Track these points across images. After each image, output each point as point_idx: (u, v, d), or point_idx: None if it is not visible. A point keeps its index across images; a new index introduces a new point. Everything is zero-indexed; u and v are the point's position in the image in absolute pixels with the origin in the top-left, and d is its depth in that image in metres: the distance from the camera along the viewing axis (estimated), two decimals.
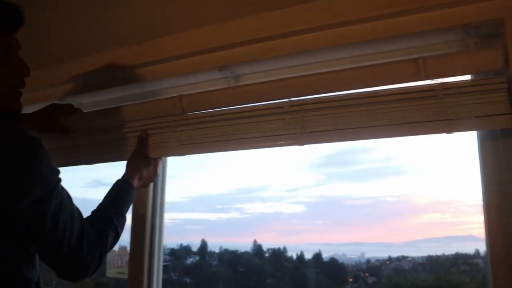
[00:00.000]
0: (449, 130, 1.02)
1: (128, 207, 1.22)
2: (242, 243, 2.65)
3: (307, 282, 2.58)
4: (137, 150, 1.35)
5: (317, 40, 1.18)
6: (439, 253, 2.14)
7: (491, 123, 1.00)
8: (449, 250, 2.10)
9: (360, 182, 2.33)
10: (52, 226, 0.91)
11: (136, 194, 1.29)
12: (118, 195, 1.21)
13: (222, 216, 2.35)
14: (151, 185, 1.50)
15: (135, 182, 1.28)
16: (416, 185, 2.15)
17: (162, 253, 1.55)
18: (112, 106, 1.51)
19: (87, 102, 1.67)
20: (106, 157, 1.46)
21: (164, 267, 2.93)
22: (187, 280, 2.73)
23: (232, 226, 2.18)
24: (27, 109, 1.18)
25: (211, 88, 1.41)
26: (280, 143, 1.20)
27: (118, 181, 1.25)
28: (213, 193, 2.58)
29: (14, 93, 1.02)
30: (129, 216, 1.47)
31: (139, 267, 1.48)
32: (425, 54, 1.06)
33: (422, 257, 2.26)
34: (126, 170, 1.30)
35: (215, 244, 2.60)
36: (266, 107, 1.21)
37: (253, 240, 2.69)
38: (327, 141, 1.15)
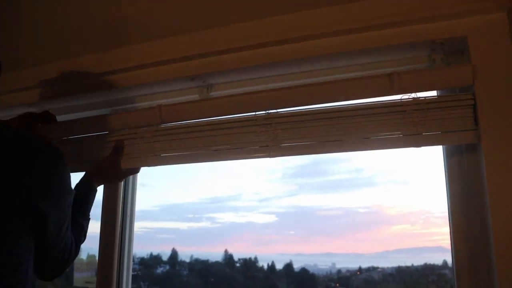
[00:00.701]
0: (417, 145, 1.05)
1: (91, 207, 1.29)
2: (213, 252, 2.63)
3: None
4: (111, 159, 1.36)
5: (290, 51, 1.20)
6: (409, 263, 2.17)
7: (457, 138, 1.03)
8: (418, 261, 2.13)
9: (331, 192, 2.35)
10: (61, 230, 1.03)
11: (106, 202, 1.30)
12: (85, 201, 1.26)
13: (193, 225, 2.33)
14: (121, 193, 1.50)
15: (97, 186, 1.33)
16: (387, 196, 2.19)
17: (131, 262, 1.55)
18: (90, 116, 1.53)
19: (57, 107, 1.64)
20: (80, 167, 1.42)
21: (134, 276, 2.89)
22: None
23: (203, 235, 2.17)
24: None
25: (184, 97, 1.42)
26: (251, 155, 1.22)
27: (83, 186, 1.29)
28: (184, 202, 2.56)
29: None
30: (98, 224, 1.45)
31: (108, 276, 1.46)
32: (398, 69, 1.11)
33: (392, 268, 2.28)
34: (92, 173, 1.32)
35: (186, 253, 2.58)
36: (240, 119, 1.22)
37: (224, 249, 2.68)
38: (297, 154, 1.17)
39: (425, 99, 1.05)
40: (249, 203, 2.61)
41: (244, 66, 1.25)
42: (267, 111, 1.19)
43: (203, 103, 1.30)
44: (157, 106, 1.33)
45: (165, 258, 2.61)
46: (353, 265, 2.42)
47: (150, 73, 1.37)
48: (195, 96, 1.40)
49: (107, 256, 1.48)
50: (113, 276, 1.46)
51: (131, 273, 1.55)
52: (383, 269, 2.34)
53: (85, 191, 1.28)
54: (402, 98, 1.07)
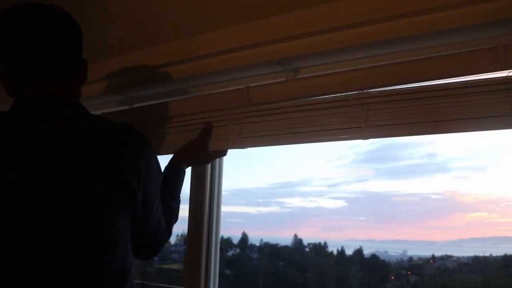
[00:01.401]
0: None
1: (181, 188, 1.34)
2: (283, 237, 2.66)
3: (348, 278, 2.58)
4: (199, 140, 1.39)
5: (380, 31, 1.14)
6: (487, 253, 2.10)
7: None
8: (497, 251, 2.06)
9: (402, 178, 2.31)
10: (157, 212, 1.12)
11: (194, 184, 1.41)
12: (173, 182, 1.31)
13: (263, 209, 2.35)
14: (209, 175, 1.54)
15: (186, 167, 1.38)
16: (461, 182, 2.12)
17: (218, 242, 1.56)
18: (176, 98, 1.55)
19: (142, 94, 1.70)
20: (168, 149, 1.48)
21: None
22: (228, 271, 2.76)
23: (273, 220, 2.18)
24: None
25: (271, 81, 1.40)
26: (343, 136, 1.20)
27: (171, 168, 1.34)
28: (253, 187, 2.59)
29: None
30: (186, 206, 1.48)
31: (198, 257, 1.50)
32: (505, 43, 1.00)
33: (468, 257, 2.22)
34: (180, 155, 1.38)
35: (255, 237, 2.62)
36: (330, 100, 1.20)
37: (293, 234, 2.70)
38: (392, 135, 1.14)
39: None
40: (318, 188, 2.60)
41: (331, 48, 1.21)
42: (358, 91, 1.16)
43: (291, 84, 1.30)
44: (245, 87, 1.34)
45: (235, 241, 2.65)
46: (426, 253, 2.37)
47: (236, 57, 1.36)
48: (282, 80, 1.38)
49: (196, 236, 1.52)
50: (202, 256, 1.50)
51: (218, 254, 1.56)
52: (458, 258, 2.27)
53: (174, 173, 1.33)
54: (509, 74, 0.99)
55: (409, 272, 2.41)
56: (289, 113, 1.26)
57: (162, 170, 1.24)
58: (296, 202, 2.77)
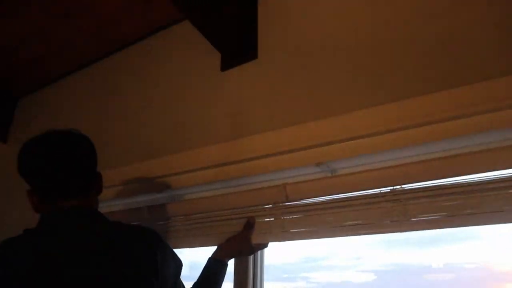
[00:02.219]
0: None
1: (222, 282, 1.41)
2: None
3: None
4: (242, 233, 1.49)
5: (411, 136, 1.23)
6: None
7: None
8: None
9: (432, 247, 2.21)
10: None
11: (237, 275, 1.54)
12: (214, 275, 1.40)
13: (288, 285, 2.26)
14: (251, 267, 1.60)
15: (228, 260, 1.46)
16: (496, 250, 2.01)
17: None
18: (220, 193, 1.67)
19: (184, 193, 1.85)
20: (208, 240, 1.59)
21: None
22: None
23: None
24: None
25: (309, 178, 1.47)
26: (381, 230, 1.26)
27: (214, 261, 1.44)
28: (278, 262, 2.50)
29: None
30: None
31: None
32: None
33: None
34: (223, 247, 1.48)
35: None
36: (367, 196, 1.28)
37: None
38: (429, 228, 1.20)
39: None
40: (344, 262, 2.50)
41: (367, 152, 1.30)
42: (394, 187, 1.24)
43: (326, 182, 1.38)
44: (282, 185, 1.44)
45: None
46: None
47: (278, 160, 1.47)
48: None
49: None
50: None
51: None
52: None
53: (215, 264, 1.43)
54: None
55: None
56: (327, 209, 1.35)
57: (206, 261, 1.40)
58: (322, 276, 2.67)
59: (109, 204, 1.99)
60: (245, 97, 1.70)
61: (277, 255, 2.36)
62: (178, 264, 1.23)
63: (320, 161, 1.38)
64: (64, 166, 1.17)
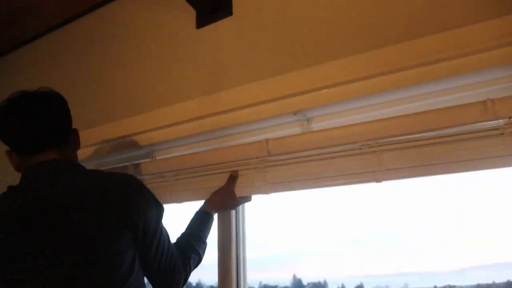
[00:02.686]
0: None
1: (208, 233, 1.49)
2: (281, 278, 2.61)
3: None
4: (226, 187, 1.56)
5: (380, 83, 1.34)
6: (489, 281, 2.09)
7: None
8: (500, 277, 2.05)
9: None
10: (163, 247, 1.25)
11: (221, 229, 1.64)
12: (200, 225, 1.48)
13: (261, 251, 2.33)
14: (234, 221, 1.72)
15: (213, 212, 1.54)
16: (461, 209, 2.12)
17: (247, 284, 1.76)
18: (204, 150, 1.75)
19: (165, 147, 1.93)
20: (194, 195, 1.67)
21: None
22: None
23: (271, 260, 2.17)
24: None
25: (286, 131, 1.58)
26: (357, 180, 1.35)
27: (199, 213, 1.52)
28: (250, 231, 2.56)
29: None
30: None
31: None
32: (493, 97, 1.18)
33: (471, 286, 2.21)
34: (209, 202, 1.55)
35: (254, 280, 2.56)
36: (346, 149, 1.36)
37: (292, 274, 2.65)
38: (404, 177, 1.30)
39: None
40: (317, 225, 2.58)
41: (340, 100, 1.40)
42: (369, 141, 1.32)
43: (306, 137, 1.45)
44: (265, 140, 1.50)
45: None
46: (428, 284, 2.35)
47: (256, 111, 1.55)
48: (297, 130, 1.57)
49: (226, 280, 1.69)
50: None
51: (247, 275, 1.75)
52: (460, 287, 2.26)
53: (201, 216, 1.51)
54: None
55: None
56: (307, 162, 1.43)
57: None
58: (295, 240, 2.74)
59: (92, 163, 2.05)
60: (221, 53, 1.77)
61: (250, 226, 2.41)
62: (159, 210, 1.28)
63: (296, 109, 1.47)
64: (35, 121, 1.25)
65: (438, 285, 2.35)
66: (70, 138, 1.34)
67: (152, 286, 1.29)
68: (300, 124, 1.56)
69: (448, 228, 2.28)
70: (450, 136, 1.22)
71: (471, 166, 1.20)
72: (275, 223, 2.27)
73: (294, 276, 2.60)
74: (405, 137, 1.27)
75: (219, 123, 1.65)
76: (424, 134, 1.25)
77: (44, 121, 1.27)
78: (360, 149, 1.33)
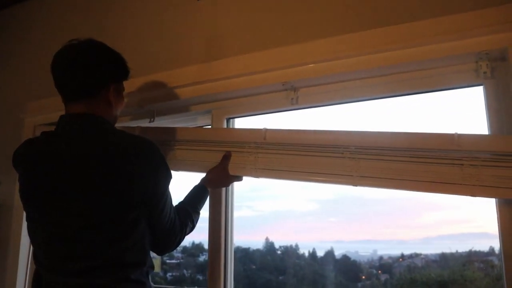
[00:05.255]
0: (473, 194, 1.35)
1: (203, 206, 1.66)
2: (254, 240, 2.67)
3: (320, 279, 2.62)
4: (221, 165, 1.72)
5: (358, 62, 1.55)
6: (453, 250, 2.17)
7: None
8: (463, 247, 2.13)
9: None
10: (166, 211, 1.38)
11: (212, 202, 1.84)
12: (197, 197, 1.65)
13: (234, 213, 2.34)
14: (223, 194, 1.90)
15: (210, 187, 1.72)
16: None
17: (233, 249, 1.92)
18: (207, 126, 1.97)
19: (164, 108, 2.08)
20: (191, 166, 1.84)
21: (177, 264, 2.93)
22: (200, 277, 2.75)
23: (244, 223, 2.20)
24: None
25: (274, 98, 1.82)
26: (337, 181, 1.52)
27: (198, 187, 1.69)
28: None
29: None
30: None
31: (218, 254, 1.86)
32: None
33: (436, 254, 2.29)
34: (206, 178, 1.72)
35: None
36: (330, 151, 1.52)
37: (265, 237, 2.71)
38: (378, 186, 1.47)
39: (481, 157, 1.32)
40: (289, 191, 2.61)
41: (325, 74, 1.61)
42: (352, 147, 1.49)
43: (302, 134, 1.62)
44: (264, 129, 1.68)
45: (206, 246, 2.62)
46: (395, 252, 2.43)
47: (250, 80, 1.74)
48: (284, 98, 1.79)
49: (216, 242, 1.89)
50: (221, 253, 1.86)
51: (233, 253, 1.91)
52: (426, 255, 2.34)
53: (198, 189, 1.68)
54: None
55: (380, 271, 2.47)
56: (294, 155, 1.59)
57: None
58: (268, 205, 2.77)
59: None
60: (219, 24, 1.93)
61: None
62: (168, 177, 1.40)
63: (285, 80, 1.67)
64: (65, 68, 1.37)
65: (405, 252, 2.44)
66: (103, 91, 1.40)
67: (154, 245, 1.42)
68: (287, 94, 1.77)
69: (415, 198, 2.32)
70: (419, 158, 1.39)
71: (433, 188, 1.38)
72: (249, 187, 2.29)
73: (267, 239, 2.66)
74: (380, 150, 1.45)
75: (214, 88, 1.83)
76: (397, 152, 1.42)
77: (81, 71, 1.36)
78: (342, 153, 1.50)
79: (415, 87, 1.58)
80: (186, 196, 1.66)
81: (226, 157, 1.74)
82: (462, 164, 1.33)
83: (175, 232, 1.45)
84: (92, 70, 1.38)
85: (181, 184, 1.87)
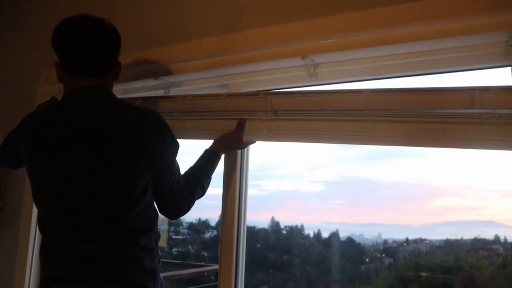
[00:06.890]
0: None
1: (214, 170, 1.68)
2: (260, 219, 2.68)
3: (324, 260, 2.64)
4: (235, 131, 1.71)
5: (381, 38, 1.50)
6: (458, 237, 2.18)
7: None
8: (468, 234, 2.14)
9: (380, 162, 2.35)
10: (174, 178, 1.43)
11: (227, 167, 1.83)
12: (207, 162, 1.66)
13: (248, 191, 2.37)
14: (239, 162, 1.87)
15: (221, 152, 1.73)
16: (437, 168, 2.17)
17: (246, 220, 1.88)
18: (222, 92, 1.90)
19: (182, 80, 2.07)
20: (201, 135, 1.83)
21: (183, 240, 2.96)
22: (205, 254, 2.78)
23: (250, 202, 2.21)
24: None
25: (293, 74, 1.78)
26: (354, 141, 1.52)
27: (208, 152, 1.69)
28: None
29: None
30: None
31: (231, 224, 1.82)
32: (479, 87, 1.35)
33: (440, 241, 2.31)
34: (218, 142, 1.72)
35: None
36: (346, 114, 1.51)
37: (270, 217, 2.73)
38: (394, 144, 1.49)
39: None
40: (296, 172, 2.61)
41: (345, 49, 1.57)
42: (365, 111, 1.48)
43: (306, 98, 1.62)
44: (269, 97, 1.67)
45: (212, 223, 2.64)
46: (400, 236, 2.45)
47: (269, 53, 1.70)
48: (304, 73, 1.74)
49: (228, 214, 1.84)
50: (234, 225, 1.82)
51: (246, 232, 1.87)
52: (430, 241, 2.36)
53: (209, 155, 1.68)
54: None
55: (384, 255, 2.48)
56: (308, 119, 1.58)
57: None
58: (274, 185, 2.78)
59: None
60: None
61: None
62: (175, 147, 1.47)
63: (305, 54, 1.63)
64: (90, 46, 1.39)
65: (409, 237, 2.45)
66: (113, 69, 1.48)
67: (160, 211, 1.48)
68: (307, 69, 1.73)
69: (422, 184, 2.34)
70: (437, 117, 1.39)
71: (457, 144, 1.37)
72: (257, 166, 2.30)
73: (272, 219, 2.68)
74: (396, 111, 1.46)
75: (231, 61, 1.81)
76: (416, 111, 1.42)
77: (99, 48, 1.41)
78: (356, 115, 1.49)
79: (440, 66, 1.55)
80: (197, 161, 1.67)
81: (241, 125, 1.72)
82: (483, 124, 1.31)
83: (184, 199, 1.50)
84: (114, 52, 1.46)
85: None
